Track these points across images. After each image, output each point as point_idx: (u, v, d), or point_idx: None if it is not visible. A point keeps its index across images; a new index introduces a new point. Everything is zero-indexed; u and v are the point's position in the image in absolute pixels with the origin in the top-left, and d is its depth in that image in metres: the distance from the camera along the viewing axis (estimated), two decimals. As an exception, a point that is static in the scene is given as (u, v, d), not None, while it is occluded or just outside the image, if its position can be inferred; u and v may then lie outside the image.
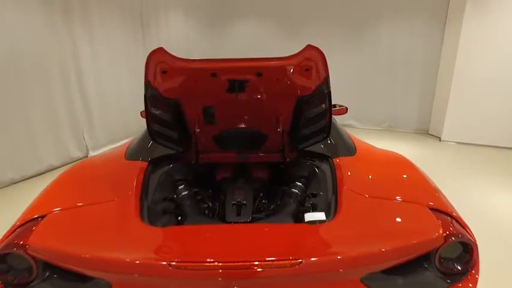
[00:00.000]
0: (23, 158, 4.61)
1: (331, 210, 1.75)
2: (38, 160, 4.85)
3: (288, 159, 2.27)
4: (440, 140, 6.99)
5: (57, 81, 5.05)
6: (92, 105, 5.71)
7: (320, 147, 2.33)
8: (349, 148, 2.37)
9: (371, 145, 2.72)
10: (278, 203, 2.12)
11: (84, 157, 5.66)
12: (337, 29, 8.00)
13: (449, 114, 6.74)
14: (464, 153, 6.19)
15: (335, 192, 1.87)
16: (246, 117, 2.09)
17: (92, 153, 5.74)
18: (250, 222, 1.75)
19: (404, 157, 2.32)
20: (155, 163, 2.20)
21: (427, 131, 7.67)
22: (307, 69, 1.80)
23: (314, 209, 1.88)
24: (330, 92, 1.92)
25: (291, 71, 1.80)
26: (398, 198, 1.73)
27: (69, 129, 5.34)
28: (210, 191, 2.39)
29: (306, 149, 2.26)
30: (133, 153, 2.27)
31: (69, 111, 5.30)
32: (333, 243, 1.44)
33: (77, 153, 5.51)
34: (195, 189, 2.24)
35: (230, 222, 1.75)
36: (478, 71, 6.29)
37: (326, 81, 1.88)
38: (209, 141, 2.21)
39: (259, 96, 1.94)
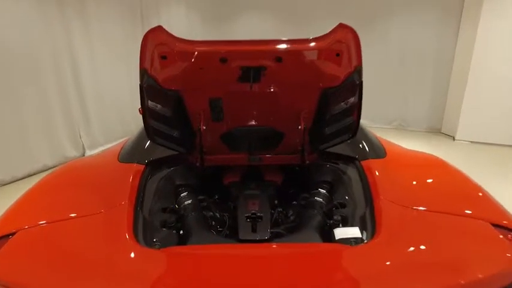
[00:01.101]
0: (13, 157, 4.30)
1: (367, 226, 1.43)
2: (31, 160, 4.54)
3: (307, 162, 1.95)
4: (454, 139, 6.67)
5: (51, 76, 4.74)
6: (89, 102, 5.40)
7: (344, 148, 2.01)
8: (377, 149, 2.05)
9: (398, 145, 2.40)
10: (300, 213, 1.80)
11: (81, 156, 5.35)
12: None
13: (464, 113, 6.42)
14: (480, 153, 5.87)
15: (369, 202, 1.55)
16: (261, 112, 1.77)
17: (89, 152, 5.43)
18: (268, 240, 1.42)
19: (442, 159, 2.00)
20: (153, 166, 1.88)
21: (439, 130, 7.35)
22: (337, 54, 1.49)
23: (344, 223, 1.56)
24: (361, 82, 1.61)
25: (318, 56, 1.48)
26: (450, 211, 1.41)
27: (64, 127, 5.03)
28: (217, 197, 2.08)
29: (328, 150, 1.95)
30: (128, 154, 1.96)
31: (64, 108, 4.99)
32: (381, 273, 1.12)
33: (72, 153, 5.20)
34: (200, 197, 1.93)
35: (244, 241, 1.42)
36: (495, 68, 5.97)
37: (358, 69, 1.56)
38: (216, 141, 1.89)
39: (277, 87, 1.62)
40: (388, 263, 1.15)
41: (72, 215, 1.36)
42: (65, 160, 5.04)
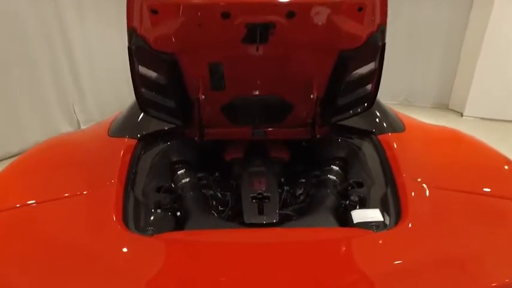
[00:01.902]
0: (5, 134, 4.10)
1: (389, 208, 1.26)
2: (23, 136, 4.34)
3: (318, 136, 1.75)
4: (462, 115, 6.46)
5: (40, 49, 4.45)
6: (82, 75, 5.15)
7: (358, 122, 1.81)
8: (395, 122, 1.85)
9: (416, 118, 2.20)
10: (310, 193, 1.62)
11: (76, 133, 5.17)
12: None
13: (475, 88, 6.17)
14: (489, 129, 5.68)
15: (390, 181, 1.37)
16: (268, 79, 1.55)
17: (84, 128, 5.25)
18: (277, 223, 1.25)
19: (466, 134, 1.81)
20: (147, 141, 1.69)
21: (447, 106, 7.12)
22: (360, 9, 1.26)
23: (362, 204, 1.38)
24: (384, 45, 1.39)
25: (338, 10, 1.25)
26: (485, 190, 1.23)
27: (57, 103, 4.81)
28: (218, 174, 1.90)
29: (341, 123, 1.75)
30: (119, 128, 1.76)
31: (56, 83, 4.75)
32: (413, 265, 0.95)
33: (67, 129, 5.01)
34: (199, 174, 1.75)
35: (250, 225, 1.25)
36: (509, 43, 5.65)
37: (382, 29, 1.34)
38: (217, 112, 1.68)
39: (288, 50, 1.40)
40: (420, 253, 0.98)
41: (52, 196, 1.18)
42: (59, 136, 4.86)
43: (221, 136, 1.83)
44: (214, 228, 1.22)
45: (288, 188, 1.76)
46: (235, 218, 1.48)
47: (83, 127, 5.22)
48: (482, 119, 6.21)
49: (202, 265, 0.93)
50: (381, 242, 1.03)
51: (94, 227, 1.07)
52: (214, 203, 1.63)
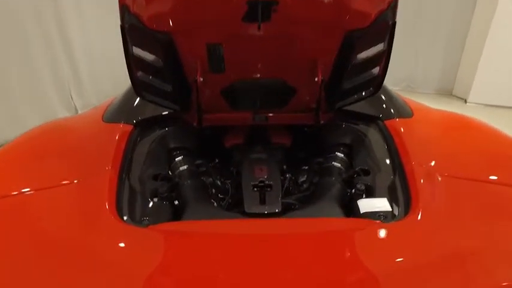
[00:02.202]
0: (1, 120, 4.02)
1: (397, 197, 1.20)
2: (20, 123, 4.25)
3: (322, 122, 1.68)
4: (466, 101, 6.35)
5: (34, 31, 4.30)
6: (78, 59, 5.00)
7: (363, 107, 1.73)
8: (402, 107, 1.77)
9: (423, 103, 2.13)
10: (314, 181, 1.56)
11: (73, 119, 5.09)
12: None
13: (480, 74, 6.03)
14: (494, 116, 5.58)
15: (399, 169, 1.31)
16: (270, 61, 1.47)
17: (81, 115, 5.16)
18: (280, 214, 1.19)
19: (476, 119, 1.74)
20: (143, 127, 1.62)
21: (450, 92, 6.99)
22: None
23: (369, 193, 1.32)
24: (395, 24, 1.30)
25: None
26: (498, 179, 1.17)
27: (53, 88, 4.68)
28: (217, 161, 1.84)
29: (345, 108, 1.67)
30: (114, 113, 1.68)
31: (52, 67, 4.60)
32: (427, 259, 0.89)
33: (64, 114, 4.90)
34: (198, 161, 1.69)
35: (251, 215, 1.19)
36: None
37: (393, 5, 1.25)
38: (216, 96, 1.60)
39: (291, 29, 1.31)
40: (432, 246, 0.92)
41: (41, 185, 1.11)
42: (56, 122, 4.78)
43: (220, 121, 1.76)
44: (213, 218, 1.16)
45: (290, 175, 1.70)
46: (236, 207, 1.42)
47: (80, 112, 5.14)
48: (486, 105, 6.11)
49: (198, 259, 0.87)
50: (390, 234, 0.97)
51: (85, 218, 1.02)
52: (213, 191, 1.57)
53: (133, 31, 1.28)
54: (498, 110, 5.90)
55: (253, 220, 1.12)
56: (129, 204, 1.15)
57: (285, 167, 1.73)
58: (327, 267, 0.86)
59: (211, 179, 1.59)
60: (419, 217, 1.02)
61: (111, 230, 0.97)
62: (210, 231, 0.99)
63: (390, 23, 1.29)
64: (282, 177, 1.58)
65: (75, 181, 1.15)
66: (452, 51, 6.69)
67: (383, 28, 1.31)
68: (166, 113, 1.68)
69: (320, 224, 1.06)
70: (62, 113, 4.85)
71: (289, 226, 1.04)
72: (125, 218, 1.07)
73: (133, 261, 0.86)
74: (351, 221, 1.10)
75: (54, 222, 0.99)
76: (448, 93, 7.03)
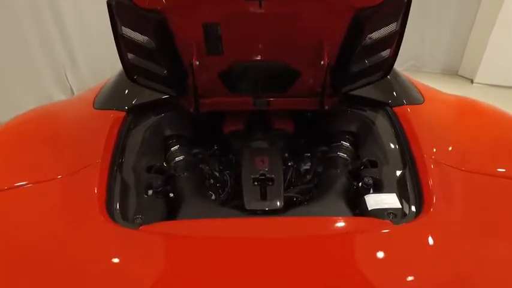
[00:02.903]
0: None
1: (408, 193, 1.11)
2: (14, 105, 4.12)
3: (327, 107, 1.58)
4: (472, 82, 6.19)
5: (24, 8, 4.10)
6: (72, 37, 4.78)
7: (370, 91, 1.62)
8: (412, 93, 1.66)
9: (433, 88, 2.01)
10: (318, 170, 1.47)
11: (70, 100, 4.95)
12: None
13: (489, 54, 5.82)
14: (501, 97, 5.45)
15: (410, 161, 1.22)
16: (272, 42, 1.35)
17: (78, 96, 5.02)
18: (282, 211, 1.11)
19: (489, 105, 1.63)
20: (136, 113, 1.52)
21: (456, 72, 6.81)
22: None
23: (377, 187, 1.23)
24: (410, 1, 1.18)
25: None
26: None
27: (47, 68, 4.52)
28: (216, 148, 1.75)
29: (352, 93, 1.57)
30: (106, 99, 1.58)
31: (44, 46, 4.42)
32: (444, 268, 0.81)
33: (60, 97, 4.78)
34: (195, 150, 1.60)
35: (252, 211, 1.12)
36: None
37: None
38: (214, 80, 1.49)
39: (295, 8, 1.19)
40: (449, 255, 0.85)
41: (24, 180, 1.03)
42: (52, 104, 4.66)
43: (218, 106, 1.66)
44: (210, 216, 1.09)
45: (292, 163, 1.62)
46: (235, 198, 1.35)
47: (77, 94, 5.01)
48: (493, 86, 5.95)
49: (193, 266, 0.80)
50: (400, 238, 0.89)
51: (72, 218, 0.94)
52: (212, 181, 1.50)
53: (121, 9, 1.16)
54: (505, 91, 5.75)
55: (253, 220, 1.04)
56: (120, 200, 1.08)
57: (286, 154, 1.65)
58: (332, 275, 0.79)
59: (209, 169, 1.51)
60: (432, 218, 0.94)
61: (100, 233, 0.89)
62: (207, 234, 0.91)
63: (405, 0, 1.16)
64: (284, 167, 1.50)
65: (61, 176, 1.06)
66: (460, 30, 6.45)
67: (397, 6, 1.18)
68: (161, 98, 1.57)
69: (325, 224, 0.98)
70: (56, 94, 4.72)
71: (292, 227, 0.96)
72: (116, 216, 0.99)
73: (123, 270, 0.79)
74: (359, 221, 1.03)
75: (38, 221, 0.91)
76: (454, 73, 6.85)
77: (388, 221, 0.97)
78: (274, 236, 0.90)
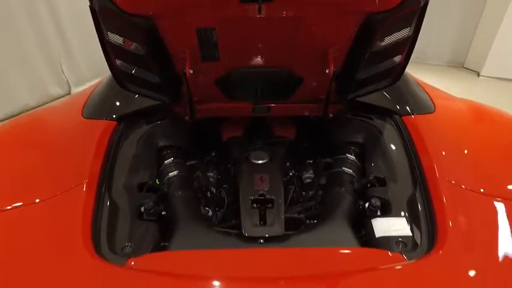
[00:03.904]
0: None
1: (419, 218, 1.03)
2: (10, 100, 4.04)
3: (331, 115, 1.48)
4: (478, 75, 6.03)
5: (19, 3, 3.95)
6: (67, 29, 4.65)
7: (376, 98, 1.52)
8: (422, 100, 1.56)
9: (442, 91, 1.90)
10: (320, 182, 1.39)
11: (66, 94, 4.84)
12: None
13: (496, 47, 5.65)
14: (508, 91, 5.32)
15: (420, 179, 1.13)
16: (273, 48, 1.24)
17: (74, 90, 4.91)
18: (283, 237, 1.02)
19: (501, 111, 1.53)
20: (127, 122, 1.42)
21: (462, 65, 6.66)
22: None
23: (385, 209, 1.14)
24: (427, 3, 1.06)
25: None
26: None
27: (42, 62, 4.41)
28: (214, 154, 1.66)
29: (357, 99, 1.46)
30: (95, 107, 1.48)
31: (39, 39, 4.29)
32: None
33: (56, 90, 4.68)
34: (191, 162, 1.51)
35: (251, 238, 1.03)
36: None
37: None
38: (210, 86, 1.39)
39: (299, 12, 1.07)
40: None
41: (3, 204, 0.94)
42: (48, 99, 4.55)
43: (215, 113, 1.56)
44: (206, 244, 1.01)
45: (294, 171, 1.54)
46: (232, 216, 1.27)
47: (73, 89, 4.89)
48: (500, 79, 5.80)
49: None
50: (414, 275, 0.81)
51: (52, 253, 0.85)
52: (209, 194, 1.41)
53: (105, 15, 1.05)
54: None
55: (251, 253, 0.95)
56: (108, 227, 0.99)
57: (288, 164, 1.56)
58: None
59: (204, 183, 1.43)
60: (446, 254, 0.85)
61: (83, 271, 0.80)
62: (199, 272, 0.83)
63: (422, 4, 1.05)
64: (285, 179, 1.42)
65: (41, 199, 0.97)
66: (468, 21, 6.26)
67: (412, 10, 1.07)
68: (154, 104, 1.47)
69: (332, 259, 0.90)
70: (53, 89, 4.62)
71: (296, 262, 0.88)
72: (103, 247, 0.90)
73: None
74: (367, 255, 0.94)
75: (11, 258, 0.82)
76: (459, 65, 6.69)
77: (398, 255, 0.89)
78: (276, 275, 0.82)
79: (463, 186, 1.04)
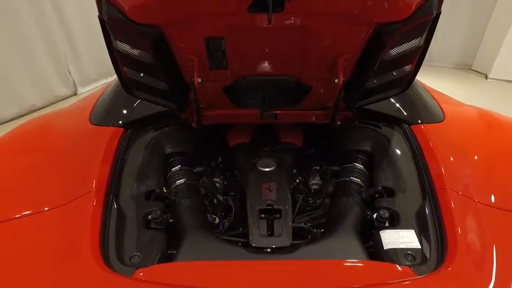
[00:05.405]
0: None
1: (428, 230, 1.02)
2: (17, 100, 4.06)
3: (339, 123, 1.47)
4: (486, 77, 5.97)
5: (25, 3, 3.98)
6: (74, 30, 4.67)
7: (384, 106, 1.51)
8: (432, 108, 1.54)
9: (452, 98, 1.88)
10: (328, 191, 1.39)
11: (72, 94, 4.87)
12: None
13: (505, 49, 5.58)
14: (517, 94, 5.26)
15: (429, 191, 1.12)
16: (282, 57, 1.23)
17: (81, 90, 4.94)
18: (290, 248, 1.02)
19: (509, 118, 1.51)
20: (134, 129, 1.42)
21: (469, 67, 6.59)
22: None
23: (394, 220, 1.12)
24: (439, 14, 1.05)
25: None
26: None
27: (49, 62, 4.43)
28: (220, 160, 1.66)
29: (365, 107, 1.45)
30: (102, 113, 1.48)
31: (46, 39, 4.31)
32: None
33: (63, 91, 4.71)
34: (198, 168, 1.51)
35: (259, 248, 1.02)
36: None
37: None
38: (218, 94, 1.39)
39: (309, 22, 1.07)
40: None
41: (4, 216, 0.94)
42: (55, 99, 4.58)
43: (223, 119, 1.56)
44: (213, 253, 1.01)
45: (301, 178, 1.53)
46: (240, 224, 1.27)
47: (79, 89, 4.92)
48: (508, 81, 5.74)
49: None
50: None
51: (60, 262, 0.85)
52: (215, 201, 1.41)
53: (114, 24, 1.05)
54: (521, 87, 5.55)
55: (260, 264, 0.95)
56: (116, 236, 0.99)
57: (295, 170, 1.56)
58: None
59: (211, 191, 1.43)
60: (457, 270, 0.84)
61: (91, 282, 0.81)
62: (208, 286, 0.83)
63: (434, 14, 1.03)
64: (292, 186, 1.41)
65: (46, 209, 0.97)
66: (474, 25, 6.20)
67: (423, 20, 1.05)
68: (161, 111, 1.48)
69: (338, 271, 0.89)
70: (59, 89, 4.65)
71: (302, 274, 0.87)
72: (111, 257, 0.91)
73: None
74: (376, 267, 0.93)
75: (18, 267, 0.83)
76: (467, 67, 6.63)
77: (408, 269, 0.88)
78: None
79: (474, 199, 1.02)
